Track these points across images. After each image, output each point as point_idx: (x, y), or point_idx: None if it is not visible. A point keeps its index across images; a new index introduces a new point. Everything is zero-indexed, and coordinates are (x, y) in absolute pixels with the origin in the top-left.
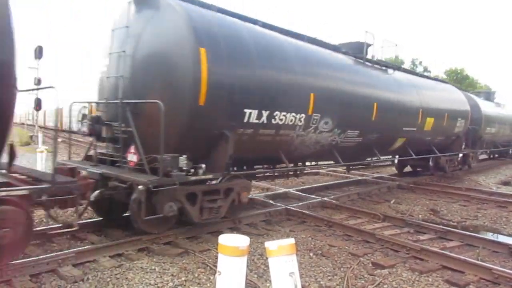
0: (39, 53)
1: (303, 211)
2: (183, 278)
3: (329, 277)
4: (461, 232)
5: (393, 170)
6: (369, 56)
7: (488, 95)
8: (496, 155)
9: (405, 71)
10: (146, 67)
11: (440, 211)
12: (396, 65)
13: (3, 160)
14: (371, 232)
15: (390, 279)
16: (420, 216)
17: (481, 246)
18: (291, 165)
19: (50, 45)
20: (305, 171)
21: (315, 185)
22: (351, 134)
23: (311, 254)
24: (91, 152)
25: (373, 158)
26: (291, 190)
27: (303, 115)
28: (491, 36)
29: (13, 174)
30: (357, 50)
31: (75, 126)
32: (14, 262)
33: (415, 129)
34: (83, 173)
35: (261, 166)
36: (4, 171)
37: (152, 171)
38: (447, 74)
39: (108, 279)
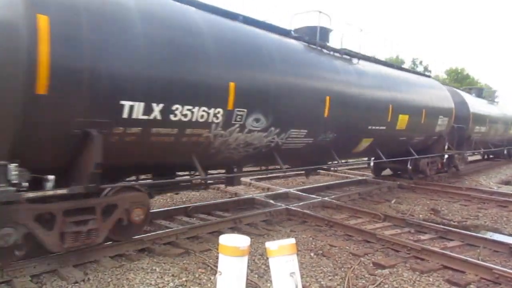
0: None
1: (304, 211)
2: (183, 279)
3: (329, 277)
4: (462, 232)
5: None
6: (336, 45)
7: (480, 92)
8: (491, 156)
9: (377, 61)
10: None
11: (441, 210)
12: (362, 55)
13: None
14: (371, 232)
15: (391, 279)
16: (420, 216)
17: (481, 246)
18: (216, 172)
19: None
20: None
21: (315, 185)
22: (297, 134)
23: (311, 254)
24: None
25: (337, 162)
26: (291, 190)
27: (219, 110)
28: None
29: None
30: (314, 36)
31: None
32: (13, 262)
33: (384, 127)
34: None
35: (188, 173)
36: None
37: None
38: (447, 73)
39: (109, 280)
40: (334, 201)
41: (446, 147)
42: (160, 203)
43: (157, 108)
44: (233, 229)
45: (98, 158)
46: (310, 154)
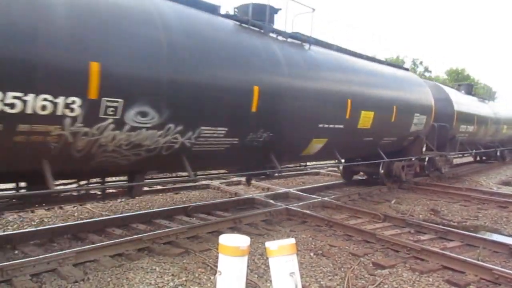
0: None
1: (304, 211)
2: (183, 278)
3: (329, 277)
4: (462, 232)
5: None
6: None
7: (469, 88)
8: (484, 158)
9: (339, 49)
10: None
11: (441, 211)
12: (316, 39)
13: None
14: (371, 232)
15: (391, 279)
16: (420, 216)
17: (481, 246)
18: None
19: None
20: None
21: (315, 185)
22: (212, 133)
23: (311, 254)
24: None
25: (279, 168)
26: (291, 190)
27: (74, 99)
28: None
29: None
30: (258, 16)
31: None
32: (13, 262)
33: (341, 126)
34: None
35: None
36: None
37: None
38: (447, 74)
39: (109, 279)
40: (334, 201)
41: (424, 148)
42: (160, 202)
43: None
44: (233, 229)
45: None
46: (239, 158)
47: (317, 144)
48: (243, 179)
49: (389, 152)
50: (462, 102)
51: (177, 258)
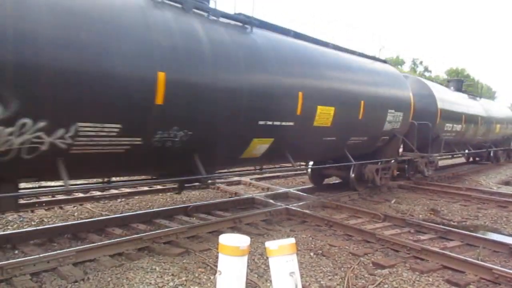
0: None
1: (304, 210)
2: (183, 278)
3: (329, 277)
4: (462, 232)
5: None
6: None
7: (459, 84)
8: (477, 158)
9: (297, 35)
10: None
11: (441, 211)
12: (260, 20)
13: None
14: (371, 232)
15: (391, 279)
16: (420, 216)
17: (481, 246)
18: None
19: None
20: None
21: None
22: (97, 132)
23: (311, 254)
24: None
25: (205, 175)
26: (291, 190)
27: None
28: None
29: None
30: None
31: None
32: (14, 260)
33: (292, 123)
34: None
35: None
36: None
37: None
38: (447, 73)
39: (109, 279)
40: (333, 201)
41: (401, 149)
42: (160, 202)
43: None
44: (233, 229)
45: None
46: (151, 162)
47: (260, 145)
48: (243, 179)
49: (360, 154)
50: (448, 99)
51: (177, 258)
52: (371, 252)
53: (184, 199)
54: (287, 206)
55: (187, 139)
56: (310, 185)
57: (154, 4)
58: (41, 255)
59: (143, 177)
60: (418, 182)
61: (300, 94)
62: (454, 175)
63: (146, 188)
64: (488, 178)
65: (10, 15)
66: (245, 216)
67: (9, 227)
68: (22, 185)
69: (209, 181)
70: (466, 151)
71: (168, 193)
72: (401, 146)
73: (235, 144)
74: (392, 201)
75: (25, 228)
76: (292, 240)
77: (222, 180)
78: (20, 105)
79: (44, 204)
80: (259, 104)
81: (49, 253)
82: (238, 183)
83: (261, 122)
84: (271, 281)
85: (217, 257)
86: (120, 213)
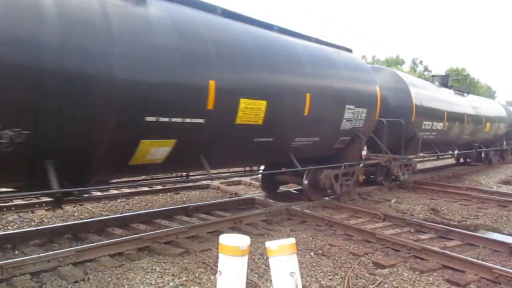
0: None
1: (304, 210)
2: (183, 278)
3: (329, 277)
4: (462, 231)
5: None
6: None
7: (444, 80)
8: (468, 159)
9: (226, 14)
10: None
11: (441, 210)
12: None
13: None
14: (371, 231)
15: (391, 278)
16: (420, 215)
17: (481, 246)
18: None
19: None
20: None
21: None
22: None
23: (311, 254)
24: None
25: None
26: (291, 190)
27: None
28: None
29: None
30: None
31: None
32: (14, 260)
33: (201, 120)
34: None
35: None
36: None
37: None
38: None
39: (109, 279)
40: (333, 201)
41: (364, 152)
42: (160, 202)
43: None
44: (233, 229)
45: None
46: None
47: (157, 148)
48: (243, 179)
49: (316, 158)
50: (426, 94)
51: (177, 258)
52: (371, 252)
53: (184, 199)
54: (287, 206)
55: (26, 139)
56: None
57: None
58: (41, 255)
59: (143, 177)
60: (418, 182)
61: (212, 83)
62: (440, 178)
63: (146, 189)
64: (488, 177)
65: None
66: (245, 216)
67: (9, 227)
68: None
69: (85, 195)
70: (451, 152)
71: (168, 193)
72: (365, 147)
73: (113, 148)
74: (392, 201)
75: (25, 228)
76: (292, 240)
77: (222, 181)
78: None
79: (44, 205)
80: (144, 94)
81: (49, 253)
82: (238, 183)
83: (150, 119)
84: (271, 281)
85: (217, 257)
86: (120, 213)
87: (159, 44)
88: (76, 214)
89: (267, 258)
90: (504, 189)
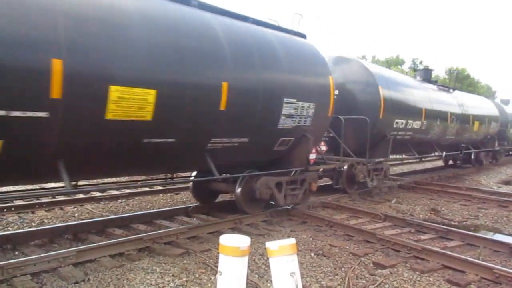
0: None
1: (304, 211)
2: (184, 279)
3: (330, 277)
4: (462, 231)
5: (394, 170)
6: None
7: (427, 74)
8: (458, 162)
9: None
10: None
11: (441, 210)
12: None
13: None
14: (372, 232)
15: (391, 279)
16: (421, 215)
17: (482, 246)
18: None
19: None
20: None
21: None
22: None
23: (312, 254)
24: None
25: None
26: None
27: None
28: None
29: None
30: None
31: None
32: (14, 260)
33: (43, 114)
34: None
35: None
36: None
37: None
38: (448, 73)
39: (109, 280)
40: (333, 202)
41: (313, 155)
42: (161, 203)
43: None
44: (233, 229)
45: None
46: None
47: None
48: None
49: (254, 163)
50: (399, 88)
51: (177, 259)
52: (371, 252)
53: (184, 199)
54: (287, 207)
55: None
56: None
57: None
58: (41, 255)
59: (143, 177)
60: (418, 182)
61: (57, 62)
62: (440, 178)
63: (146, 189)
64: (489, 177)
65: None
66: (245, 216)
67: (9, 228)
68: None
69: None
70: (435, 153)
71: (169, 194)
72: (313, 150)
73: None
74: (393, 201)
75: (26, 229)
76: (292, 241)
77: None
78: None
79: (44, 205)
80: None
81: (50, 253)
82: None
83: None
84: (271, 281)
85: (217, 258)
86: (121, 214)
87: None
88: (76, 214)
89: (268, 258)
90: (505, 189)
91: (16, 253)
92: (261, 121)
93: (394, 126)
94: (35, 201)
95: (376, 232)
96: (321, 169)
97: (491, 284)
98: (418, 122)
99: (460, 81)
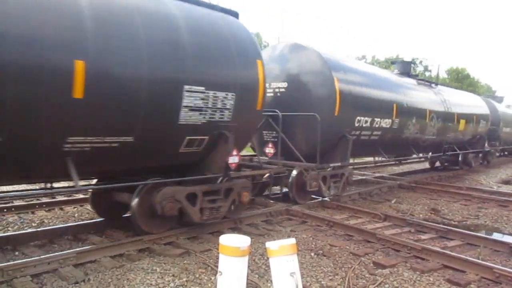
0: None
1: (304, 211)
2: (184, 279)
3: (330, 277)
4: (462, 231)
5: (394, 169)
6: None
7: (406, 67)
8: (446, 164)
9: None
10: None
11: (441, 210)
12: None
13: None
14: (372, 231)
15: (391, 278)
16: (421, 215)
17: (482, 245)
18: None
19: None
20: None
21: None
22: None
23: (312, 254)
24: None
25: None
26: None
27: None
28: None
29: None
30: None
31: None
32: (14, 262)
33: None
34: None
35: None
36: None
37: None
38: (448, 73)
39: (109, 280)
40: (334, 201)
41: (234, 157)
42: None
43: None
44: (234, 229)
45: None
46: None
47: None
48: None
49: (153, 170)
50: (361, 81)
51: (177, 259)
52: (371, 252)
53: None
54: (287, 207)
55: None
56: None
57: None
58: (41, 257)
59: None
60: (418, 182)
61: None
62: (440, 178)
63: None
64: (489, 177)
65: None
66: (245, 216)
67: (9, 228)
68: (22, 186)
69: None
70: (415, 155)
71: None
72: (235, 152)
73: None
74: (393, 201)
75: (26, 229)
76: (292, 241)
77: None
78: None
79: (44, 206)
80: None
81: (50, 255)
82: None
83: None
84: (271, 281)
85: (217, 258)
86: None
87: None
88: (76, 215)
89: (268, 258)
90: (505, 189)
91: (16, 253)
92: (149, 114)
93: (356, 124)
94: (35, 201)
95: (376, 232)
96: (250, 175)
97: (491, 284)
98: (388, 120)
99: (460, 80)
